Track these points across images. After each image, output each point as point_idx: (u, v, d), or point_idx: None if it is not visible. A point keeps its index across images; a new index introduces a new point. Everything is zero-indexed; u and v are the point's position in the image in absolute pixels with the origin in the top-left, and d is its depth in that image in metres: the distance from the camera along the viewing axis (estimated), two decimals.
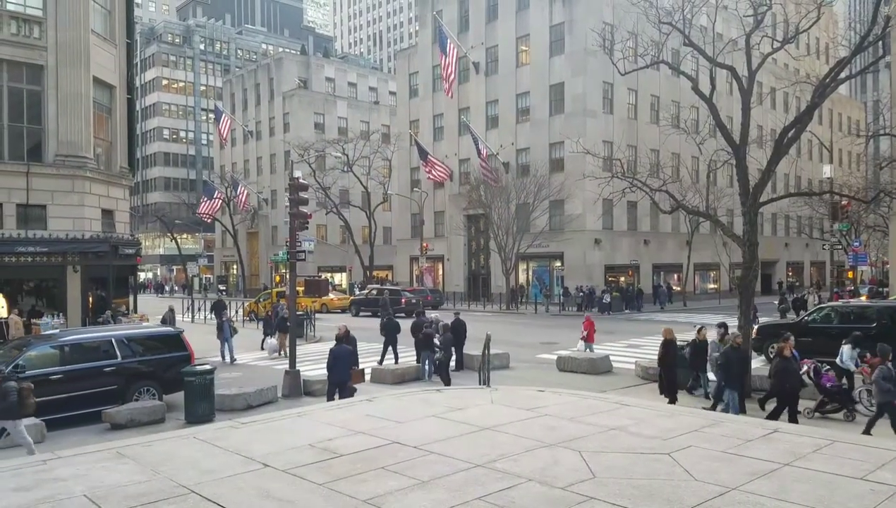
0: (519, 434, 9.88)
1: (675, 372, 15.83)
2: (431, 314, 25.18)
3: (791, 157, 54.01)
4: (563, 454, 8.79)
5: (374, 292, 45.72)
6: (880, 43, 17.46)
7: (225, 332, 24.24)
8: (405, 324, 23.25)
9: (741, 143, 16.83)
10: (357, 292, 51.77)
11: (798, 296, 38.21)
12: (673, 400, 15.35)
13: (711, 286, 57.67)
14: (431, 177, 54.15)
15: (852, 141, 62.85)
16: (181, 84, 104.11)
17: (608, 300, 42.80)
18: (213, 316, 28.66)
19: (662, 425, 10.46)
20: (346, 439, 9.78)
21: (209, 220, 66.23)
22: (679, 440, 9.49)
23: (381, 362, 21.41)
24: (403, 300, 41.63)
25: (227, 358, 24.03)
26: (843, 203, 35.09)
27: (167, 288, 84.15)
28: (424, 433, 10.05)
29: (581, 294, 43.70)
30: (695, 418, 11.04)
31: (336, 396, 15.07)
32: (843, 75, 16.55)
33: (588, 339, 22.00)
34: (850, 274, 42.51)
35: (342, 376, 15.23)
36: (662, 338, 15.94)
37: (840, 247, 42.45)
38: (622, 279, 49.88)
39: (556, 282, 49.00)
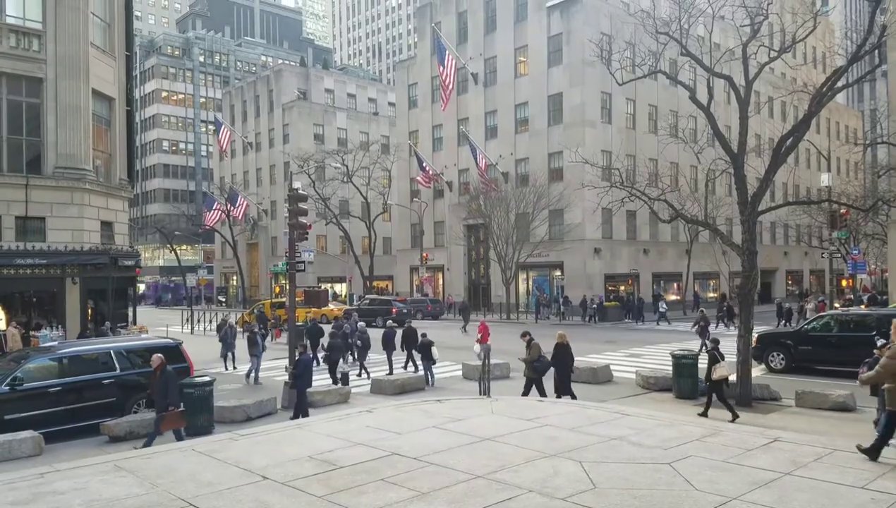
0: (519, 444, 9.86)
1: (569, 373, 16.25)
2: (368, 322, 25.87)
3: (789, 166, 54.03)
4: (563, 464, 8.77)
5: (367, 302, 45.91)
6: (876, 52, 17.51)
7: (259, 347, 21.97)
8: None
9: (739, 152, 16.85)
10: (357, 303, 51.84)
11: (788, 306, 38.12)
12: (572, 396, 15.79)
13: (711, 295, 57.63)
14: (422, 182, 54.55)
15: (850, 149, 62.95)
16: (181, 96, 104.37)
17: (665, 308, 41.76)
18: (260, 328, 26.49)
19: (663, 434, 10.44)
20: (346, 451, 9.76)
21: (211, 225, 66.02)
22: (680, 449, 9.48)
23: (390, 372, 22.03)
24: (394, 310, 41.64)
25: (253, 377, 21.34)
26: (841, 211, 35.11)
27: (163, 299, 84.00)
28: (424, 444, 10.03)
29: (594, 306, 43.32)
30: (696, 427, 11.02)
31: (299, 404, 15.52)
32: (839, 84, 16.58)
33: (482, 341, 22.89)
34: (848, 283, 42.48)
35: (309, 383, 15.88)
36: (556, 342, 16.39)
37: (839, 255, 42.45)
38: (622, 288, 49.85)
39: (556, 292, 48.97)
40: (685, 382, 17.33)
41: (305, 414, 15.22)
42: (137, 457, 9.83)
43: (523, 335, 16.91)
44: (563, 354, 16.19)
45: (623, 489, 7.75)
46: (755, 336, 20.26)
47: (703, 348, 25.74)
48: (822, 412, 14.82)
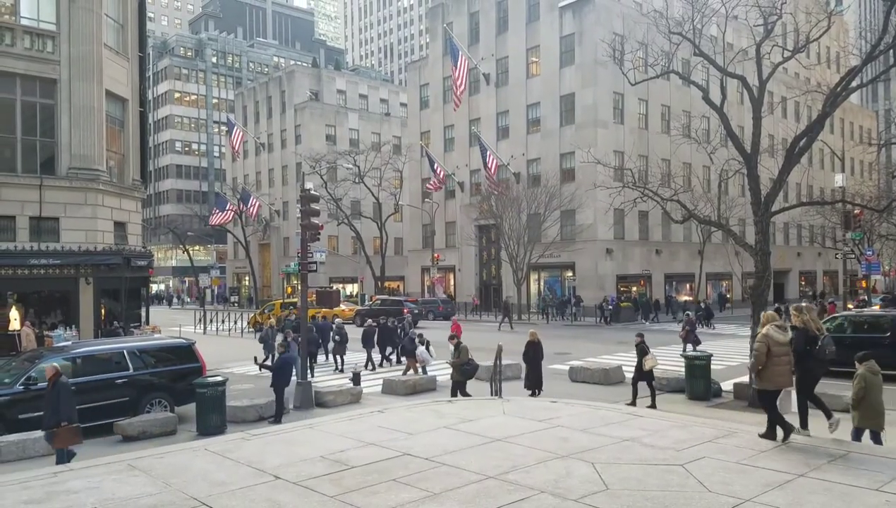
0: (531, 445, 9.84)
1: (539, 368, 17.55)
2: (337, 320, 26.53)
3: (803, 166, 53.72)
4: (575, 465, 8.74)
5: (379, 302, 45.93)
6: (891, 51, 17.36)
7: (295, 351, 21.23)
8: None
9: (752, 153, 16.76)
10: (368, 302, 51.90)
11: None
12: (534, 394, 17.19)
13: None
14: (432, 189, 54.54)
15: (864, 149, 62.53)
16: (193, 97, 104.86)
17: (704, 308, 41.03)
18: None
19: (676, 436, 10.39)
20: (358, 451, 9.77)
21: (216, 224, 66.04)
22: (692, 451, 9.43)
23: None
24: (405, 310, 41.57)
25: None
26: (855, 212, 34.88)
27: (177, 299, 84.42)
28: (436, 444, 10.02)
29: (610, 307, 43.00)
30: (709, 429, 10.96)
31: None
32: (854, 84, 16.45)
33: None
34: (862, 283, 42.14)
35: (286, 381, 15.89)
36: (528, 339, 17.68)
37: (853, 256, 42.15)
38: (634, 289, 49.66)
39: (568, 292, 48.84)
40: (698, 383, 17.24)
41: (279, 417, 15.45)
42: (150, 457, 9.88)
43: (451, 338, 17.78)
44: (534, 351, 17.39)
45: (635, 490, 7.72)
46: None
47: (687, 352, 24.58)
48: (836, 413, 14.69)
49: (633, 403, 15.62)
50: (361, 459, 9.26)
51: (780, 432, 9.99)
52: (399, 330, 25.55)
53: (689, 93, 48.09)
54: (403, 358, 21.66)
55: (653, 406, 15.51)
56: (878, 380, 10.49)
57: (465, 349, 16.62)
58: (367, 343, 24.19)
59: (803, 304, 10.70)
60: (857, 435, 10.66)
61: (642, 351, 16.20)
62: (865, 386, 10.34)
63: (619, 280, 48.65)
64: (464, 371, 16.35)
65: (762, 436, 10.19)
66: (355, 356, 25.10)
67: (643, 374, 16.18)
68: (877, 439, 10.58)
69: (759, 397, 10.43)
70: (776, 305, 37.03)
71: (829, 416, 10.10)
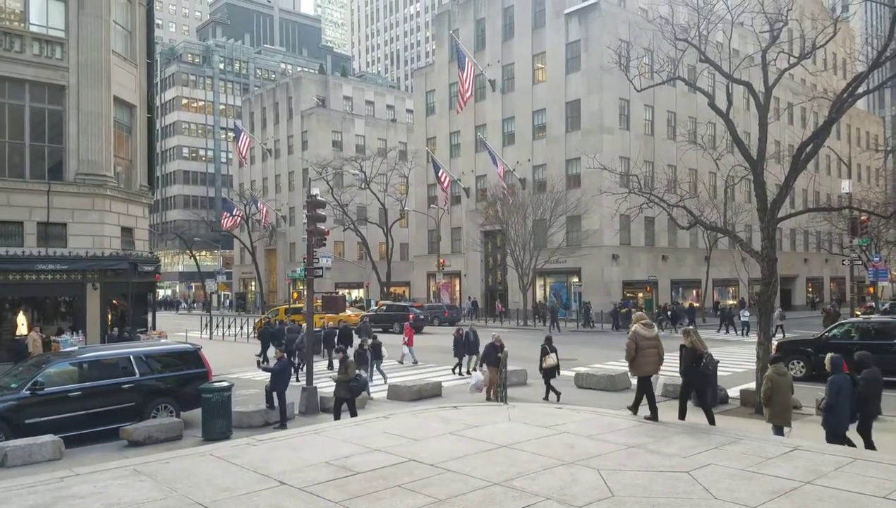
0: (537, 451, 9.82)
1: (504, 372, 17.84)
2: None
3: (809, 173, 53.58)
4: (581, 472, 8.73)
5: (385, 307, 45.88)
6: None
7: (369, 360, 20.70)
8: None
9: (759, 159, 16.73)
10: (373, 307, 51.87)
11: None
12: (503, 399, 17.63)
13: (730, 302, 57.16)
14: (441, 204, 54.72)
15: (871, 155, 62.39)
16: (201, 103, 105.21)
17: (746, 317, 38.12)
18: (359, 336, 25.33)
19: (682, 442, 10.37)
20: (363, 456, 9.77)
21: (228, 228, 66.34)
22: (699, 457, 9.40)
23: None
24: (411, 316, 41.45)
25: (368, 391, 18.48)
26: (862, 218, 34.75)
27: (184, 304, 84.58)
28: (441, 450, 10.02)
29: (625, 311, 42.55)
30: (715, 435, 10.93)
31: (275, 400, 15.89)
32: (860, 90, 16.42)
33: (409, 343, 26.10)
34: (871, 290, 41.95)
35: (285, 386, 15.92)
36: (489, 342, 18.55)
37: (860, 262, 41.99)
38: (640, 295, 49.53)
39: (573, 298, 48.74)
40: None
41: (284, 422, 15.47)
42: (156, 462, 9.90)
43: (337, 351, 17.52)
44: (495, 353, 17.83)
45: (641, 497, 7.70)
46: (775, 344, 20.06)
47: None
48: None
49: (546, 398, 17.43)
50: (366, 465, 9.26)
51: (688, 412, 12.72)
52: (467, 335, 23.78)
53: (695, 99, 48.07)
54: (483, 367, 19.03)
55: (556, 400, 17.14)
56: (786, 381, 11.60)
57: (352, 364, 16.05)
58: (327, 344, 25.10)
59: (690, 328, 12.59)
60: (777, 431, 11.57)
61: (543, 350, 17.93)
62: (772, 386, 11.38)
63: (625, 286, 48.56)
64: (351, 387, 15.37)
65: (629, 408, 13.17)
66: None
67: (545, 372, 17.79)
68: (779, 432, 11.53)
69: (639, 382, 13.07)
70: (779, 310, 36.95)
71: (681, 416, 12.85)
